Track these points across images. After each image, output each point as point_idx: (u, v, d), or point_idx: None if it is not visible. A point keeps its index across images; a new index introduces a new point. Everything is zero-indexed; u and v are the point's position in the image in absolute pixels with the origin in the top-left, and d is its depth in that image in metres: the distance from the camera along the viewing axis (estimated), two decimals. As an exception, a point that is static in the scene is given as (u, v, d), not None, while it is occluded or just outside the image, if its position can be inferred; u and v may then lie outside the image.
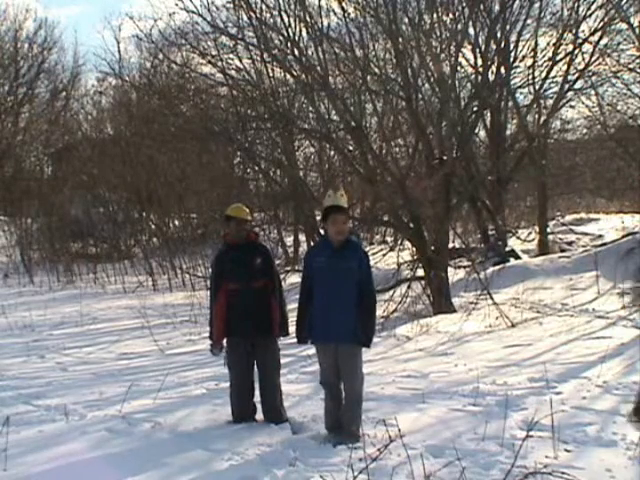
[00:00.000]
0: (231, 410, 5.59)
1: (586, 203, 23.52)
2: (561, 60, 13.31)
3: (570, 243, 17.72)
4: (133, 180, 20.04)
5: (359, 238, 5.45)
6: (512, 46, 15.49)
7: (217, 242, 17.65)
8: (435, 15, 11.19)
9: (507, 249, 16.03)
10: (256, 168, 17.78)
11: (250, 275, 5.50)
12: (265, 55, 12.58)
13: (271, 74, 13.98)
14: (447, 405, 5.78)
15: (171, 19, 18.18)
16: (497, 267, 13.94)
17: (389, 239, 19.93)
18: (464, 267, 13.83)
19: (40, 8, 33.18)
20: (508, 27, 13.86)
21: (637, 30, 13.60)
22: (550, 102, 14.91)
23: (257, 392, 5.64)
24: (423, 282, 11.24)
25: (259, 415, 5.57)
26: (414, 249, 11.70)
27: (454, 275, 12.94)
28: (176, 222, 20.80)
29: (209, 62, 13.60)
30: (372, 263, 13.71)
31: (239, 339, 5.58)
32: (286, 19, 11.63)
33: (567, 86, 13.24)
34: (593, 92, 15.78)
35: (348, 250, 5.01)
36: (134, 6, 56.42)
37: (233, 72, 13.57)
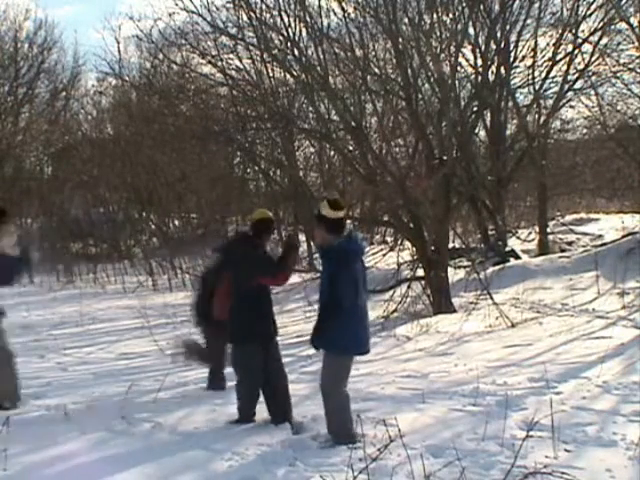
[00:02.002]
0: None
1: (586, 203, 23.52)
2: (561, 60, 13.30)
3: (570, 243, 17.72)
4: (133, 180, 20.05)
5: (350, 238, 5.29)
6: (512, 46, 15.50)
7: (217, 242, 17.69)
8: (435, 15, 11.17)
9: (507, 249, 16.03)
10: (256, 168, 17.81)
11: None
12: (265, 55, 12.58)
13: (271, 74, 13.98)
14: (447, 405, 5.78)
15: (171, 19, 18.14)
16: (497, 267, 13.95)
17: (389, 239, 19.94)
18: (464, 267, 13.83)
19: (36, 8, 33.22)
20: (508, 27, 13.87)
21: (637, 30, 13.59)
22: (550, 102, 14.91)
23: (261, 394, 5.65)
24: (423, 282, 11.24)
25: (260, 415, 5.57)
26: (414, 249, 11.70)
27: (454, 275, 12.94)
28: (176, 222, 20.81)
29: (209, 62, 13.60)
30: (372, 263, 13.69)
31: None
32: (286, 19, 11.63)
33: (567, 86, 13.23)
34: (593, 92, 15.76)
35: (324, 257, 5.10)
36: (134, 6, 56.48)
37: (233, 72, 13.56)
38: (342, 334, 4.89)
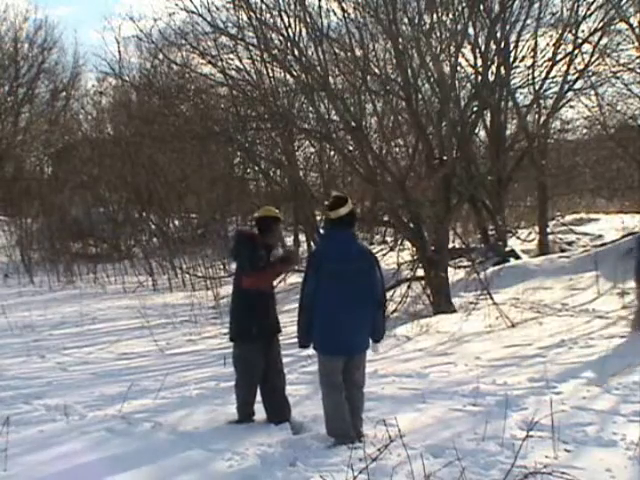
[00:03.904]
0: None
1: (586, 203, 23.53)
2: (561, 60, 13.27)
3: (570, 243, 17.72)
4: (133, 180, 20.04)
5: (330, 239, 5.39)
6: (512, 46, 15.50)
7: (218, 242, 17.71)
8: (435, 15, 11.18)
9: (507, 249, 16.03)
10: (256, 168, 17.81)
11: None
12: (265, 55, 12.57)
13: (271, 74, 13.98)
14: (447, 405, 5.78)
15: (171, 19, 18.19)
16: (497, 267, 13.95)
17: (389, 239, 19.93)
18: (464, 267, 13.84)
19: (33, 9, 33.28)
20: (508, 27, 13.86)
21: (637, 30, 13.60)
22: (550, 102, 14.90)
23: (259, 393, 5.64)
24: (423, 282, 11.24)
25: (260, 415, 5.57)
26: (414, 249, 11.70)
27: (454, 275, 12.93)
28: (176, 222, 20.80)
29: (209, 62, 13.60)
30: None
31: None
32: (286, 19, 11.62)
33: (567, 86, 13.21)
34: (593, 92, 15.78)
35: None
36: (133, 6, 56.52)
37: (233, 72, 13.56)
38: (316, 332, 5.02)
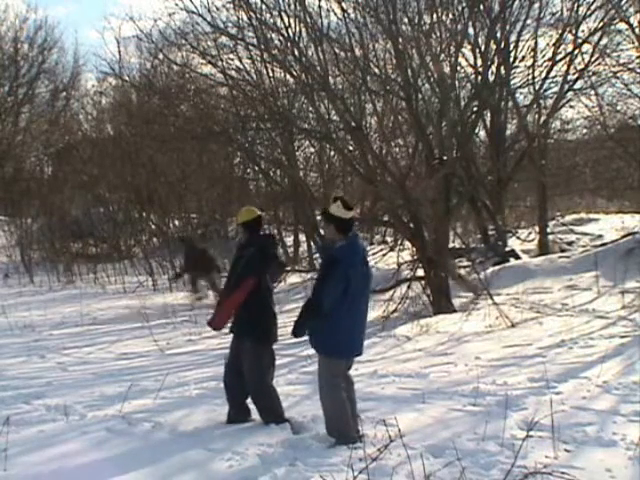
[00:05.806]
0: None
1: (586, 203, 23.54)
2: (561, 60, 13.27)
3: (570, 243, 17.71)
4: (133, 180, 20.04)
5: (352, 243, 5.25)
6: (512, 46, 15.50)
7: (217, 242, 17.71)
8: (435, 15, 11.18)
9: (507, 249, 16.03)
10: (256, 168, 17.81)
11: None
12: (265, 55, 12.58)
13: (271, 74, 13.98)
14: (447, 405, 5.78)
15: (171, 19, 18.19)
16: (497, 267, 13.94)
17: (389, 239, 19.94)
18: (464, 267, 13.84)
19: (30, 9, 33.30)
20: (508, 27, 13.86)
21: (637, 30, 13.60)
22: (550, 102, 14.91)
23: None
24: (423, 282, 11.24)
25: (255, 415, 5.56)
26: (414, 249, 11.70)
27: (454, 275, 12.90)
28: (176, 222, 20.81)
29: (209, 62, 13.60)
30: (372, 263, 13.72)
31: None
32: (286, 19, 11.63)
33: (567, 86, 13.22)
34: (593, 92, 15.77)
35: (323, 256, 5.17)
36: (131, 6, 56.53)
37: (233, 72, 13.56)
38: (332, 336, 4.87)
